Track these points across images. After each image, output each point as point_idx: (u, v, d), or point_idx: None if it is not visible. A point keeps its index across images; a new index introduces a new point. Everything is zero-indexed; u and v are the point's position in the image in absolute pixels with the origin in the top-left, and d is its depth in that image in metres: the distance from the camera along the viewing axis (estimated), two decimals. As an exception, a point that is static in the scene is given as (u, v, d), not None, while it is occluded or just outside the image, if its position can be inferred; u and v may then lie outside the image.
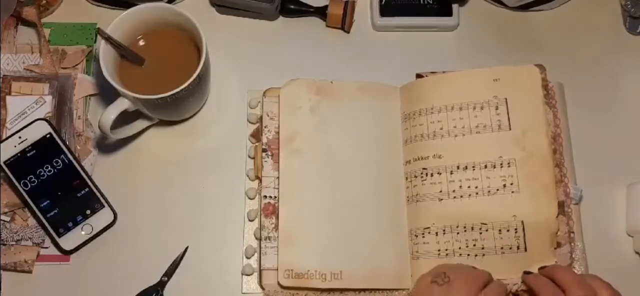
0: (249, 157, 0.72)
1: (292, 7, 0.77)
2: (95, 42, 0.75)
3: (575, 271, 0.65)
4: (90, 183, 0.69)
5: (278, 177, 0.69)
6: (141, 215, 0.70)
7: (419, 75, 0.72)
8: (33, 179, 0.68)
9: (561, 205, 0.66)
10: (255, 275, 0.68)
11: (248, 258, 0.68)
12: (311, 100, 0.71)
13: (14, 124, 0.71)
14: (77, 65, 0.74)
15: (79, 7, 0.77)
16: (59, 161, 0.69)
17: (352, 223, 0.67)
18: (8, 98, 0.72)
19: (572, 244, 0.65)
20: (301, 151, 0.69)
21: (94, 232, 0.68)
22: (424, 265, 0.66)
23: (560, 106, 0.71)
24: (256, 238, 0.69)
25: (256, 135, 0.72)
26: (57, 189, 0.68)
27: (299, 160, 0.69)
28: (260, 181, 0.69)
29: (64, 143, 0.70)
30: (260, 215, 0.68)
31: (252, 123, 0.73)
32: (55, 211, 0.68)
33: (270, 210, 0.68)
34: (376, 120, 0.71)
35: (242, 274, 0.68)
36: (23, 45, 0.75)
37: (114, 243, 0.69)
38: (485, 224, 0.65)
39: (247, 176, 0.71)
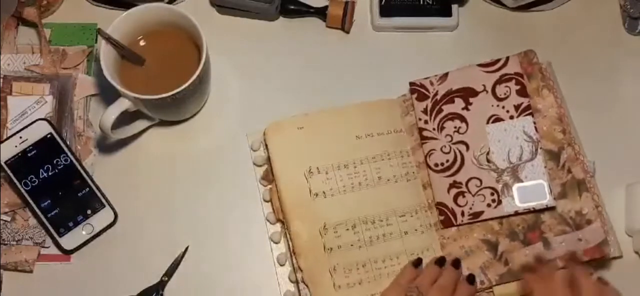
0: (264, 200, 0.70)
1: (292, 7, 0.77)
2: (95, 42, 0.75)
3: (610, 244, 0.65)
4: (90, 183, 0.69)
5: None
6: (141, 214, 0.70)
7: (412, 83, 0.72)
8: (34, 179, 0.68)
9: (582, 183, 0.66)
10: None
11: None
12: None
13: (14, 124, 0.71)
14: (77, 65, 0.74)
15: (80, 7, 0.77)
16: (60, 161, 0.69)
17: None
18: (9, 98, 0.72)
19: (602, 217, 0.65)
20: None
21: (95, 232, 0.68)
22: None
23: (555, 84, 0.71)
24: (291, 282, 0.67)
25: (267, 177, 0.70)
26: (58, 189, 0.69)
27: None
28: (283, 224, 0.68)
29: (65, 143, 0.70)
30: (292, 258, 0.67)
31: (258, 165, 0.71)
32: (56, 211, 0.68)
33: None
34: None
35: None
36: (24, 45, 0.75)
37: (114, 243, 0.69)
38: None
39: (267, 220, 0.70)
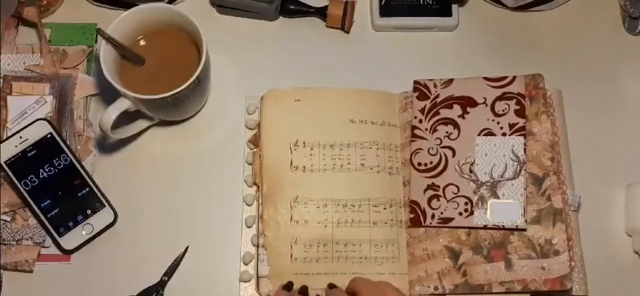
0: (247, 163, 0.71)
1: (292, 7, 0.77)
2: (95, 42, 0.75)
3: (574, 278, 0.65)
4: (90, 183, 0.69)
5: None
6: (141, 214, 0.70)
7: (416, 82, 0.72)
8: (34, 179, 0.68)
9: (559, 213, 0.66)
10: (253, 281, 0.67)
11: (246, 264, 0.68)
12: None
13: (14, 124, 0.71)
14: (77, 65, 0.74)
15: (80, 7, 0.77)
16: (60, 161, 0.69)
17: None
18: (9, 98, 0.72)
19: (571, 252, 0.65)
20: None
21: (95, 232, 0.68)
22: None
23: (559, 113, 0.71)
24: (253, 245, 0.68)
25: (254, 141, 0.71)
26: (58, 189, 0.69)
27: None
28: (258, 187, 0.69)
29: (65, 143, 0.70)
30: (258, 221, 0.68)
31: (250, 129, 0.72)
32: (56, 211, 0.68)
33: None
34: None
35: (240, 281, 0.68)
36: (24, 45, 0.75)
37: (114, 243, 0.69)
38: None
39: (245, 182, 0.71)
